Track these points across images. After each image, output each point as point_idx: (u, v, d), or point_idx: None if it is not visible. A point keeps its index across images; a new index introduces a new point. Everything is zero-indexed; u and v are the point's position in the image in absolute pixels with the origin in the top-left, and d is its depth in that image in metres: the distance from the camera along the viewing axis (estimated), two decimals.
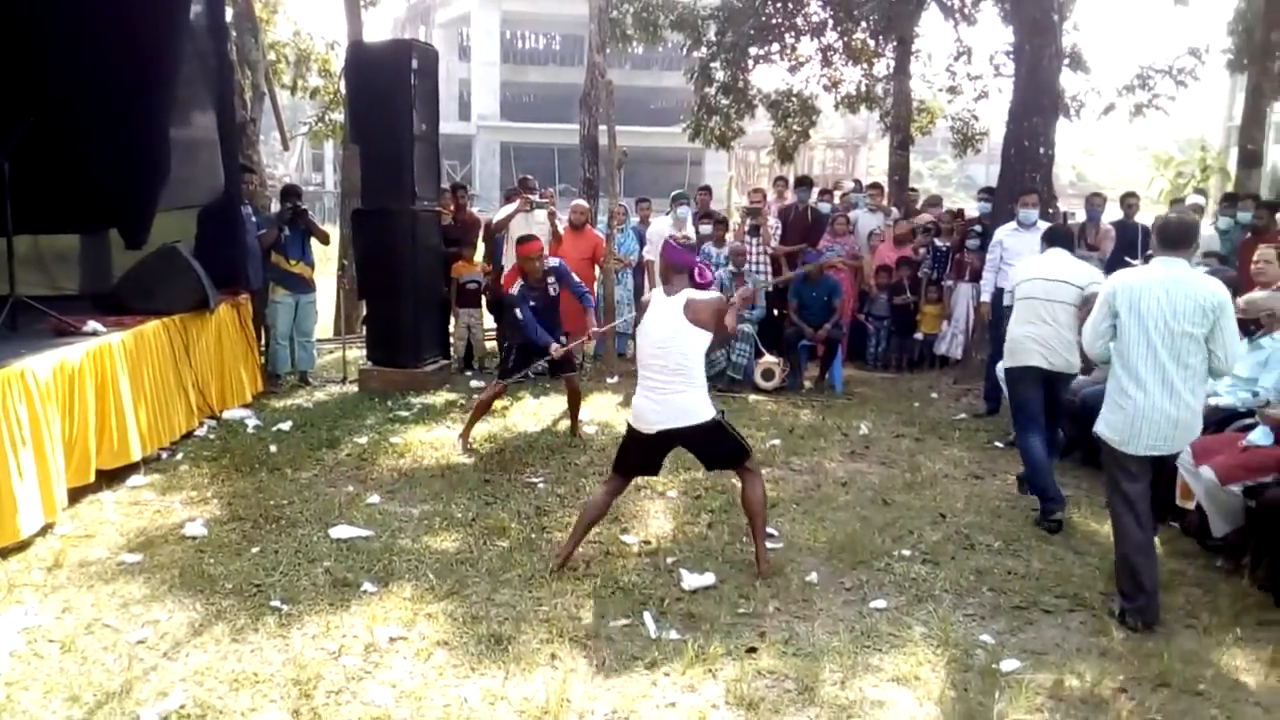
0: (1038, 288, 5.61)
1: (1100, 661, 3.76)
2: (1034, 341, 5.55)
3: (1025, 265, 6.02)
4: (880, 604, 4.20)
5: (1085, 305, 5.26)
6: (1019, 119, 8.99)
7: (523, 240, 6.85)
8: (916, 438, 7.18)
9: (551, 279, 6.84)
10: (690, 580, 4.32)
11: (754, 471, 4.57)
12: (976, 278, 9.51)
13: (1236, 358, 4.22)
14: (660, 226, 9.10)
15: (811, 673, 3.58)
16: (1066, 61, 11.79)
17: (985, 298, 8.09)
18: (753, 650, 3.73)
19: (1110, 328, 4.23)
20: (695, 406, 4.40)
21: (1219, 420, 5.28)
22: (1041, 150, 8.86)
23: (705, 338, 4.41)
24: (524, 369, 6.70)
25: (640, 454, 4.58)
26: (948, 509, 5.52)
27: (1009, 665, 3.68)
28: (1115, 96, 13.78)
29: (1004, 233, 7.83)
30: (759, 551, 4.52)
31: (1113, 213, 10.31)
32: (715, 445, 4.53)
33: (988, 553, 4.89)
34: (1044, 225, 7.75)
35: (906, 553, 4.80)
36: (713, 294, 4.62)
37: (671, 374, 4.39)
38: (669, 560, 4.60)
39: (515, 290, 6.77)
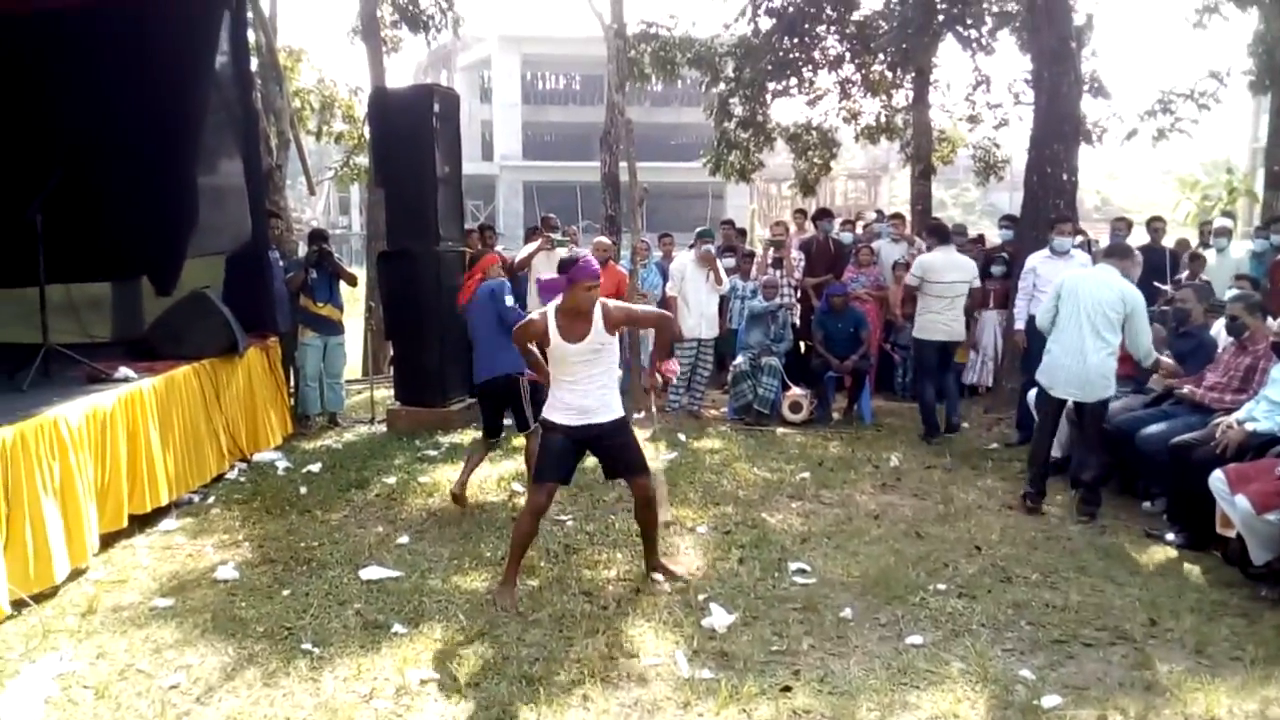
0: None
1: (1144, 696, 3.67)
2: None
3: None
4: (916, 640, 4.13)
5: None
6: (1040, 146, 8.97)
7: (475, 259, 6.72)
8: (948, 469, 7.10)
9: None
10: (722, 618, 4.27)
11: (657, 489, 4.83)
12: (1002, 305, 9.48)
13: (1145, 346, 5.84)
14: (683, 261, 9.12)
15: (848, 711, 3.52)
16: (1086, 88, 11.76)
17: (1019, 325, 7.93)
18: (787, 689, 3.67)
19: (1055, 309, 5.96)
20: (612, 403, 4.62)
21: (1257, 446, 5.19)
22: (1065, 177, 8.82)
23: (615, 342, 4.59)
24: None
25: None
26: (982, 541, 5.44)
27: (1050, 701, 3.60)
28: (1137, 121, 13.72)
29: (1037, 260, 7.72)
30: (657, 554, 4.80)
31: (1138, 237, 10.26)
32: (623, 447, 4.70)
33: (1025, 585, 4.80)
34: (1078, 254, 7.74)
35: (942, 586, 4.72)
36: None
37: (594, 376, 4.56)
38: (700, 597, 4.55)
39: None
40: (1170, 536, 5.50)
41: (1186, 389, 5.99)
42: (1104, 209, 43.04)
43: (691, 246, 9.21)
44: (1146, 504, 6.17)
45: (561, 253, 8.96)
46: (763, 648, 4.03)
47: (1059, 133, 8.81)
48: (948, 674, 3.82)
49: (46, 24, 7.29)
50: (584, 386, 4.53)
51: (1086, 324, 5.74)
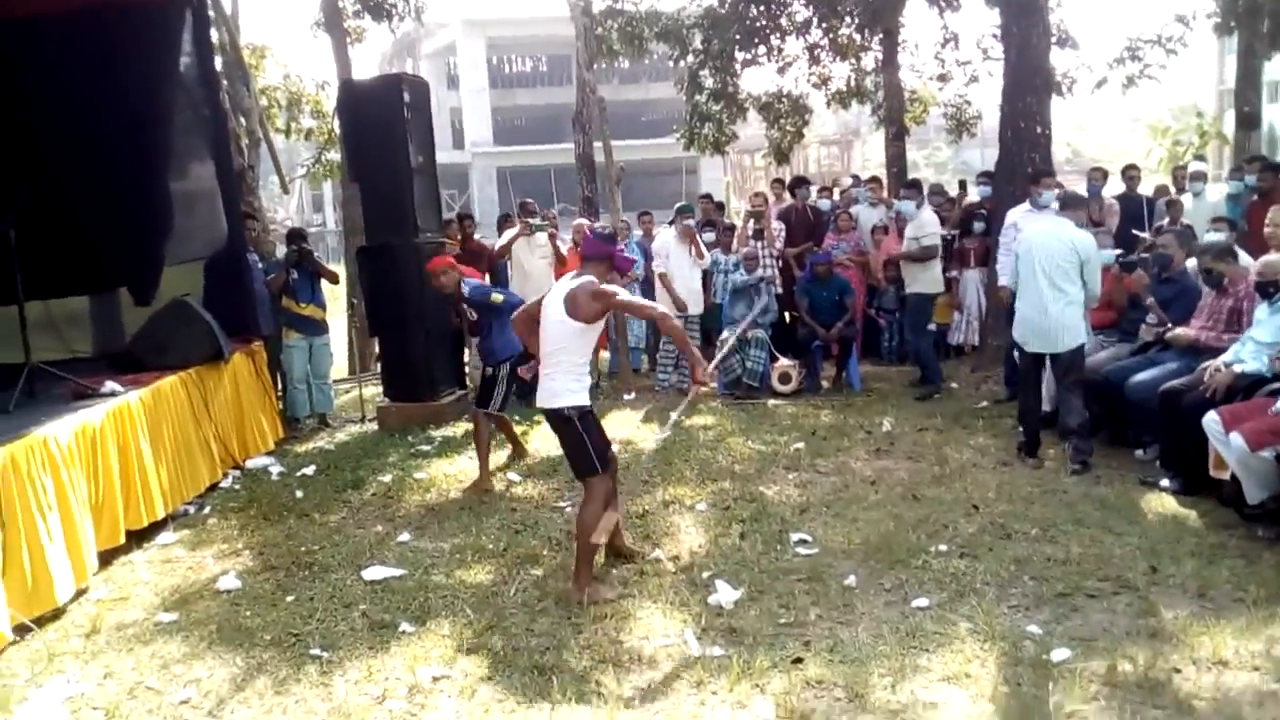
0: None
1: (1151, 644, 3.71)
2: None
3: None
4: (923, 602, 4.16)
5: None
6: (1012, 100, 8.95)
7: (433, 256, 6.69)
8: (940, 429, 7.13)
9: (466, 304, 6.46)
10: (728, 594, 4.28)
11: (594, 494, 4.43)
12: (983, 263, 9.49)
13: (1093, 291, 6.05)
14: (666, 239, 9.09)
15: (860, 679, 3.54)
16: (1054, 39, 11.74)
17: (1003, 281, 7.89)
18: (799, 661, 3.69)
19: (1017, 267, 6.22)
20: (558, 391, 4.42)
21: (1246, 387, 5.23)
22: (1039, 130, 8.81)
23: (578, 329, 4.38)
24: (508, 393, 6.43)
25: None
26: (980, 500, 5.48)
27: (1059, 655, 3.63)
28: (1106, 70, 13.75)
29: (1017, 214, 7.64)
30: (576, 574, 4.41)
31: (1114, 186, 10.29)
32: (565, 441, 4.52)
33: (1025, 541, 4.84)
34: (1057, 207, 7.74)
35: (943, 548, 4.75)
36: (587, 279, 4.41)
37: (548, 356, 4.46)
38: (705, 575, 4.56)
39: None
40: (1165, 483, 5.55)
41: (1180, 330, 6.00)
42: (1075, 160, 43.09)
43: (671, 223, 9.19)
44: (1139, 452, 6.22)
45: (541, 238, 8.95)
46: (771, 621, 4.05)
47: (1030, 86, 8.80)
48: (956, 634, 3.85)
49: (3, 35, 7.16)
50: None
51: (1043, 278, 5.93)
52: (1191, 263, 6.42)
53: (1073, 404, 6.12)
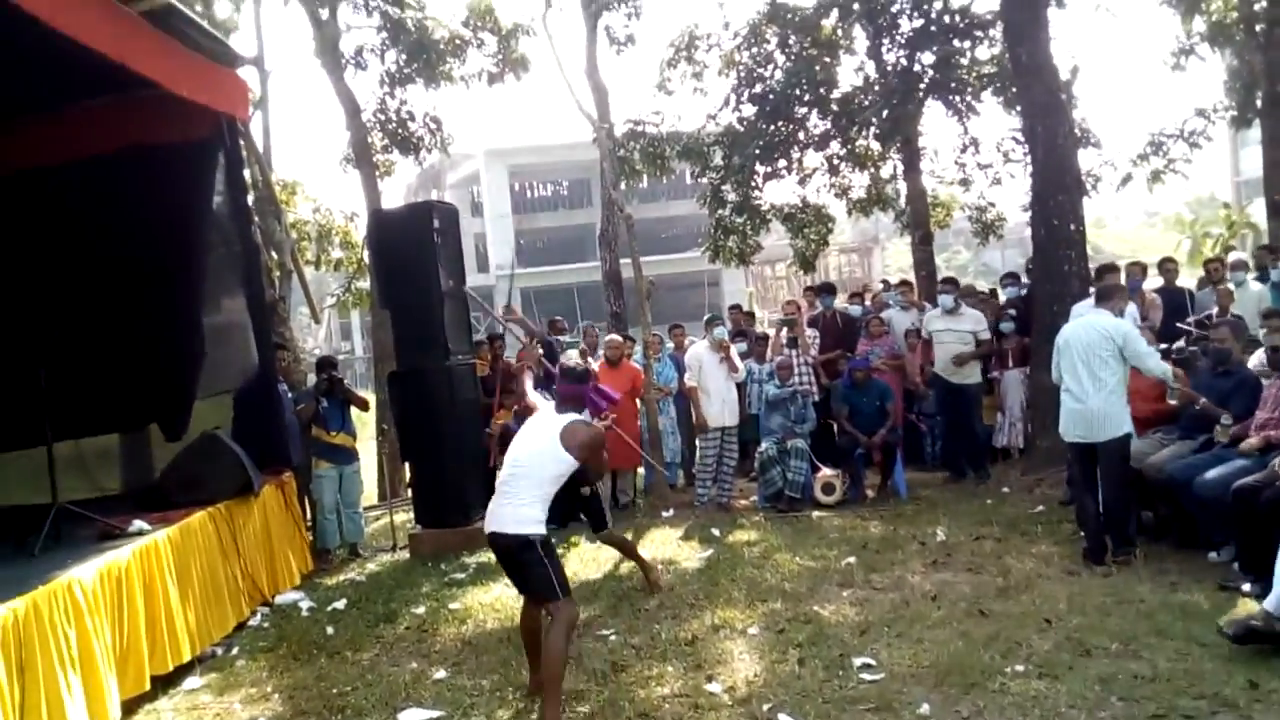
0: None
1: None
2: None
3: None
4: None
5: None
6: (1043, 200, 8.91)
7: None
8: (998, 538, 6.80)
9: None
10: None
11: (560, 618, 4.28)
12: (1021, 363, 9.30)
13: (1151, 365, 6.05)
14: (698, 351, 8.97)
15: None
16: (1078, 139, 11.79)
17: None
18: None
19: (1058, 363, 6.25)
20: (524, 519, 4.34)
21: None
22: (1072, 227, 8.73)
23: (567, 463, 4.38)
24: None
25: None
26: (1051, 613, 5.14)
27: None
28: (1130, 167, 13.77)
29: (1084, 308, 7.54)
30: (547, 707, 4.19)
31: (1153, 281, 10.13)
32: (525, 567, 4.36)
33: (1106, 657, 4.50)
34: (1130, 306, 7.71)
35: (1019, 668, 4.42)
36: (595, 427, 4.69)
37: (517, 479, 4.40)
38: (765, 708, 4.24)
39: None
40: (1246, 587, 5.20)
41: (1251, 441, 5.74)
42: (1096, 258, 42.90)
43: (705, 335, 9.09)
44: (1213, 555, 5.88)
45: (573, 354, 8.85)
46: None
47: (1061, 184, 8.75)
48: None
49: (39, 179, 7.31)
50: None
51: (1082, 368, 5.99)
52: (1254, 358, 6.24)
53: (1120, 498, 5.98)
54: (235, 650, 5.94)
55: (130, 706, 4.91)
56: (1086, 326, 6.11)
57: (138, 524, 5.68)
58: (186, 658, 5.44)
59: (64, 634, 4.30)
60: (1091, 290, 7.15)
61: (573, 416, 4.50)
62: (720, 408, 8.66)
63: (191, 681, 5.38)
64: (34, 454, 5.91)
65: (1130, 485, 6.13)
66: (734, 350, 8.99)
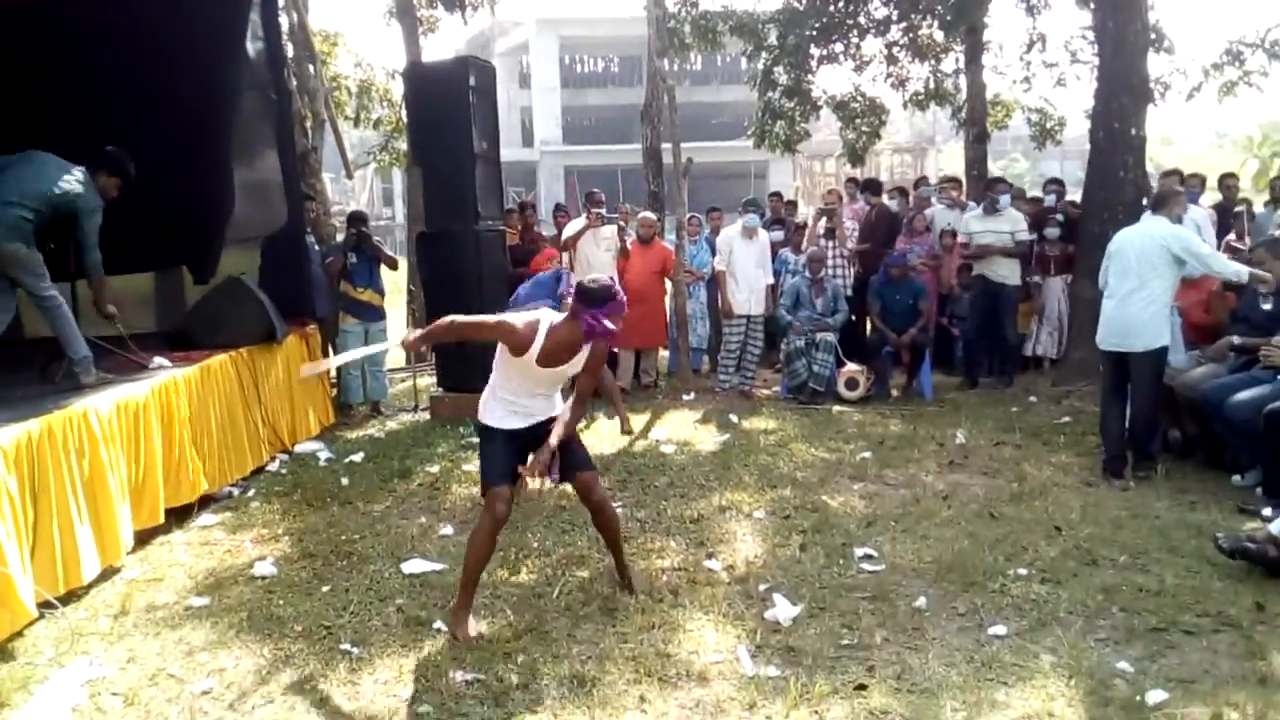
0: None
1: (1261, 690, 3.31)
2: None
3: None
4: (999, 630, 3.80)
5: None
6: (1106, 101, 8.48)
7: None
8: (1018, 445, 6.70)
9: None
10: (786, 610, 3.97)
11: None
12: (1064, 270, 9.03)
13: (1219, 266, 5.85)
14: (730, 235, 8.78)
15: (930, 711, 3.21)
16: (1150, 41, 11.15)
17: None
18: (862, 687, 3.37)
19: (1107, 268, 6.03)
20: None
21: None
22: (1133, 131, 8.32)
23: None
24: None
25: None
26: (1062, 521, 5.07)
27: (1155, 697, 3.25)
28: (1202, 76, 13.08)
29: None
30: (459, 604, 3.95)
31: (1210, 197, 9.73)
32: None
33: (1113, 568, 4.44)
34: (1195, 209, 7.44)
35: (1023, 571, 4.38)
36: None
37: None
38: (761, 587, 4.25)
39: None
40: (1267, 512, 5.07)
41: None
42: (1156, 176, 41.63)
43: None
44: (1237, 478, 5.76)
45: (607, 230, 8.71)
46: (832, 642, 3.73)
47: (1126, 85, 8.31)
48: (1037, 668, 3.50)
49: (72, 12, 7.14)
50: (526, 402, 4.11)
51: (1133, 276, 5.77)
52: None
53: (1146, 411, 5.83)
54: (251, 492, 6.06)
55: (144, 537, 5.04)
56: (1142, 233, 5.89)
57: (159, 360, 5.74)
58: (201, 494, 5.55)
59: (76, 460, 4.37)
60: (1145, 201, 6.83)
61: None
62: (747, 295, 8.53)
63: (206, 518, 5.51)
64: (68, 290, 5.94)
65: (1159, 401, 5.99)
66: (763, 234, 8.78)
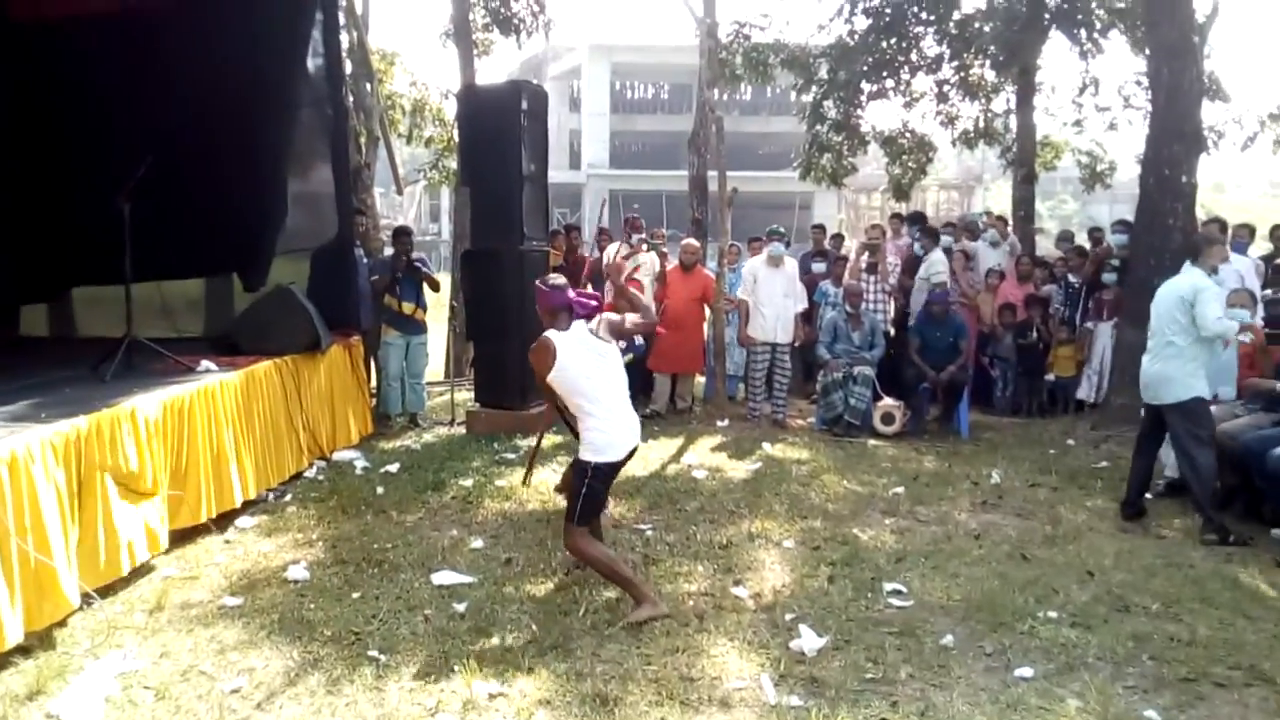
0: None
1: None
2: None
3: None
4: (1026, 672, 3.77)
5: None
6: (1157, 147, 8.41)
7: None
8: (1054, 487, 6.64)
9: None
10: (811, 641, 3.96)
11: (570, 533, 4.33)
12: (1115, 315, 8.92)
13: (1208, 325, 5.53)
14: (755, 264, 8.80)
15: None
16: (1205, 89, 11.07)
17: None
18: None
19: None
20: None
21: None
22: (1184, 179, 8.24)
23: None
24: None
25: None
26: (1095, 566, 5.02)
27: None
28: (1257, 126, 12.95)
29: None
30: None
31: (1260, 247, 9.59)
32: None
33: (1145, 616, 4.39)
34: (1239, 259, 7.33)
35: (1053, 614, 4.34)
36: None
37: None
38: (788, 617, 4.25)
39: None
40: None
41: None
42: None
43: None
44: (1276, 531, 5.65)
45: (647, 258, 8.77)
46: (856, 675, 3.72)
47: (1178, 133, 8.24)
48: (1063, 711, 3.47)
49: (140, 22, 7.39)
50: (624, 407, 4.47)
51: (1160, 330, 5.79)
52: None
53: (1190, 466, 5.66)
54: (289, 498, 6.17)
55: (184, 536, 5.15)
56: (1171, 285, 5.84)
57: (206, 364, 5.88)
58: (242, 498, 5.66)
59: (124, 455, 4.49)
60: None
61: (601, 319, 4.45)
62: (773, 324, 8.53)
63: (244, 520, 5.62)
64: (116, 293, 6.10)
65: (1204, 457, 5.63)
66: (790, 262, 8.79)
